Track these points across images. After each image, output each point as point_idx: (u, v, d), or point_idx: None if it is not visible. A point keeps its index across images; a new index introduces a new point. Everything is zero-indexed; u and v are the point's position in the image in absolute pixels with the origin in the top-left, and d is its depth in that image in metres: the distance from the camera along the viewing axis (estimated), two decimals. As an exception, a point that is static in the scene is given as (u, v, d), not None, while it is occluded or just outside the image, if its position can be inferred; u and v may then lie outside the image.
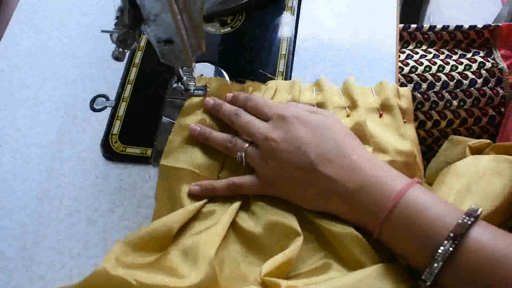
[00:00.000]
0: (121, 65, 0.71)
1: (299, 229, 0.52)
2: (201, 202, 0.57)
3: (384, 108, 0.62)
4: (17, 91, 0.72)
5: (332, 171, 0.51)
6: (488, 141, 0.75)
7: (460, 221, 0.44)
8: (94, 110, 0.69)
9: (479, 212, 0.45)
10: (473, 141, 0.75)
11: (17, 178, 0.65)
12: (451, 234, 0.43)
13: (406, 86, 0.91)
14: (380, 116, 0.62)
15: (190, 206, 0.56)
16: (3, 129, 0.69)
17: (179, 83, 0.63)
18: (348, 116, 0.61)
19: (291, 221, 0.53)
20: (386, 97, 0.62)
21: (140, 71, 0.70)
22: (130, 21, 0.52)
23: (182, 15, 0.52)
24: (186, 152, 0.60)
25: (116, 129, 0.66)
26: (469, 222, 0.44)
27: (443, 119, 0.92)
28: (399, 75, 0.91)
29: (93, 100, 0.69)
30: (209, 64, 0.69)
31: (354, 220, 0.52)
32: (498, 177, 0.60)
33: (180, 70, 0.62)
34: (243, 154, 0.57)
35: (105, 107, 0.69)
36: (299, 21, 0.73)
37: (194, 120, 0.62)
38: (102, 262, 0.49)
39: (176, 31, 0.53)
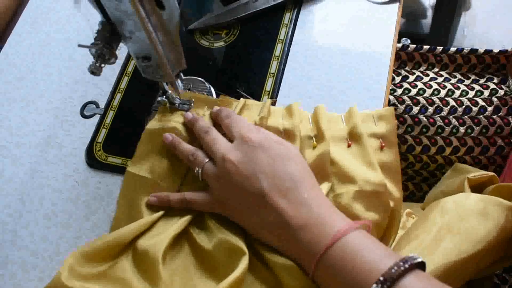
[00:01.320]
0: (115, 73, 0.72)
1: (244, 248, 0.52)
2: (158, 214, 0.57)
3: (352, 136, 0.61)
4: (13, 89, 0.74)
5: (281, 204, 0.51)
6: (492, 174, 0.73)
7: (393, 266, 0.43)
8: (83, 116, 0.70)
9: (418, 260, 0.44)
10: (475, 173, 0.73)
11: (2, 176, 0.67)
12: (381, 278, 0.42)
13: (411, 109, 0.89)
14: (348, 146, 0.60)
15: (147, 218, 0.56)
16: (-3, 128, 0.71)
17: (164, 96, 0.64)
18: (314, 147, 0.60)
19: (237, 241, 0.53)
20: (353, 125, 0.61)
21: (132, 80, 0.71)
22: (108, 36, 0.53)
23: (157, 33, 0.53)
24: (151, 161, 0.61)
25: (101, 137, 0.67)
26: (402, 268, 0.42)
27: (448, 146, 0.89)
28: (406, 96, 0.89)
29: (83, 107, 0.71)
30: (197, 78, 0.69)
31: (293, 257, 0.51)
32: (483, 220, 0.58)
33: (164, 84, 0.62)
34: (200, 169, 0.57)
35: (94, 114, 0.70)
36: (293, 39, 0.72)
37: (164, 128, 0.62)
38: (57, 272, 0.50)
39: (152, 48, 0.53)
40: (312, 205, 0.50)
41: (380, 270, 0.43)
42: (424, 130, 0.89)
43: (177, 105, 0.65)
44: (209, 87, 0.69)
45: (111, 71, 0.72)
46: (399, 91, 0.92)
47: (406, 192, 0.95)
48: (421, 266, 0.45)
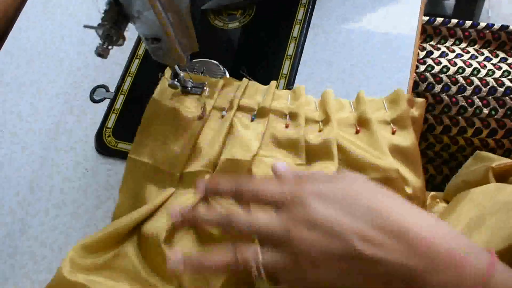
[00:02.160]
0: (125, 56, 0.70)
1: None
2: (161, 199, 0.54)
3: (361, 123, 0.57)
4: (23, 74, 0.72)
5: (379, 249, 0.37)
6: (516, 161, 0.69)
7: None
8: (93, 101, 0.68)
9: None
10: (498, 162, 0.68)
11: (12, 164, 0.65)
12: None
13: (433, 87, 0.84)
14: (357, 132, 0.57)
15: (149, 205, 0.54)
16: (7, 114, 0.69)
17: (176, 80, 0.61)
18: (320, 131, 0.57)
19: None
20: (361, 111, 0.57)
21: (142, 63, 0.68)
22: (115, 17, 0.50)
23: (167, 13, 0.50)
24: (151, 146, 0.59)
25: (111, 122, 0.64)
26: None
27: (470, 127, 0.85)
28: (428, 73, 0.85)
29: (93, 91, 0.68)
30: (212, 60, 0.66)
31: None
32: None
33: (176, 67, 0.59)
34: (259, 267, 0.39)
35: (104, 99, 0.67)
36: (312, 21, 0.68)
37: (164, 110, 0.59)
38: (59, 268, 0.48)
39: (161, 29, 0.50)
40: (421, 235, 0.37)
41: None
42: (446, 109, 0.85)
43: (189, 88, 0.62)
44: (224, 70, 0.66)
45: (121, 54, 0.69)
46: (422, 67, 0.88)
47: (426, 175, 0.91)
48: None
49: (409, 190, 0.53)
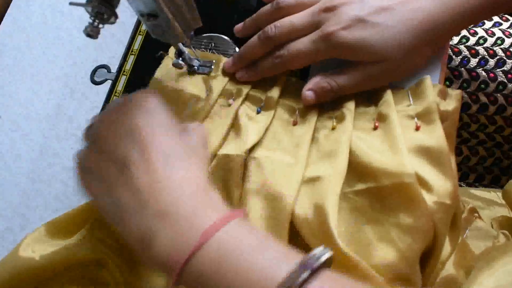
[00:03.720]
0: (127, 33, 0.64)
1: None
2: None
3: (381, 116, 0.50)
4: (22, 56, 0.67)
5: (139, 182, 0.38)
6: None
7: (292, 273, 0.31)
8: (94, 82, 0.63)
9: (322, 259, 0.33)
10: None
11: (12, 152, 0.61)
12: None
13: (468, 61, 0.76)
14: (375, 128, 0.49)
15: None
16: (7, 99, 0.65)
17: (180, 58, 0.55)
18: (333, 128, 0.50)
19: None
20: (381, 102, 0.50)
21: (146, 40, 0.63)
22: (104, -9, 0.44)
23: (162, -15, 0.43)
24: None
25: (112, 106, 0.59)
26: (304, 276, 0.31)
27: (510, 105, 0.77)
28: (463, 46, 0.77)
29: (94, 72, 0.63)
30: (221, 35, 0.60)
31: (150, 264, 0.38)
32: None
33: (180, 44, 0.53)
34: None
35: (106, 80, 0.62)
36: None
37: (166, 92, 0.55)
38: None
39: (157, 4, 0.44)
40: (181, 189, 0.37)
41: (274, 280, 0.32)
42: (483, 86, 0.77)
43: (196, 67, 0.57)
44: (235, 47, 0.59)
45: (123, 32, 0.64)
46: (455, 39, 0.79)
47: (460, 156, 0.84)
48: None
49: (432, 198, 0.44)
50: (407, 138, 0.47)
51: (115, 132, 0.40)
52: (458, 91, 0.51)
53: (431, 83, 0.50)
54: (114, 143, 0.40)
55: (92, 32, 0.45)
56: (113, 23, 0.46)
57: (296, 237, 0.43)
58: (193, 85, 0.55)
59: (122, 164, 0.38)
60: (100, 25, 0.45)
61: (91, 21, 0.45)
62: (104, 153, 0.40)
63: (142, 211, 0.36)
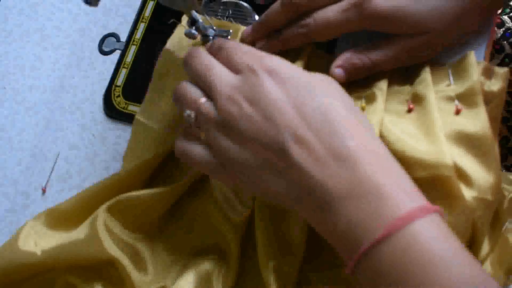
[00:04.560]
0: (139, -4, 0.59)
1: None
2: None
3: (415, 97, 0.43)
4: (26, 20, 0.63)
5: (309, 159, 0.33)
6: None
7: None
8: (102, 52, 0.58)
9: None
10: None
11: (15, 126, 0.57)
12: None
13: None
14: (409, 111, 0.43)
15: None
16: (10, 67, 0.60)
17: (193, 27, 0.49)
18: (362, 109, 0.44)
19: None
20: (418, 81, 0.44)
21: (158, 6, 0.57)
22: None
23: None
24: (163, 107, 0.48)
25: (120, 79, 0.54)
26: None
27: None
28: (506, 17, 0.69)
29: (102, 40, 0.58)
30: (239, 1, 0.54)
31: (329, 239, 0.35)
32: None
33: (192, 11, 0.48)
34: (193, 113, 0.39)
35: (115, 50, 0.57)
36: None
37: (179, 63, 0.47)
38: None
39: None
40: (362, 161, 0.32)
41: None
42: None
43: (211, 37, 0.51)
44: (254, 14, 0.53)
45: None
46: (497, 9, 0.72)
47: (498, 137, 0.77)
48: None
49: (471, 193, 0.38)
50: (445, 123, 0.41)
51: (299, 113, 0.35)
52: (505, 69, 0.44)
53: (475, 60, 0.43)
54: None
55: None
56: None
57: None
58: None
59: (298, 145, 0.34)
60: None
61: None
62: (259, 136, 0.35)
63: (322, 195, 0.33)
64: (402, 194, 0.32)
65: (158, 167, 0.48)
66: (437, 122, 0.40)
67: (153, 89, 0.49)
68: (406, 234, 0.30)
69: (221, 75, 0.38)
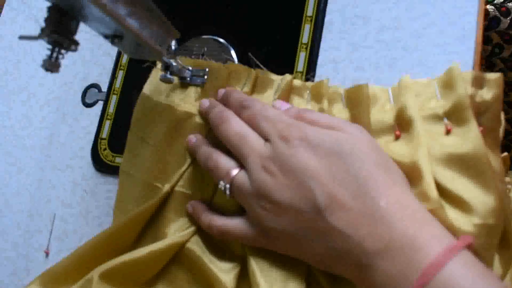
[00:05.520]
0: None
1: None
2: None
3: (401, 122, 0.41)
4: (11, 80, 0.63)
5: (345, 222, 0.34)
6: None
7: None
8: (85, 105, 0.57)
9: None
10: None
11: (10, 188, 0.57)
12: None
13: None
14: (396, 138, 0.41)
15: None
16: (0, 129, 0.61)
17: (167, 72, 0.48)
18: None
19: None
20: (402, 105, 0.41)
21: (134, 51, 0.56)
22: (60, 19, 0.38)
23: (116, 3, 0.37)
24: (144, 155, 0.47)
25: (105, 132, 0.54)
26: None
27: None
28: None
29: (84, 92, 0.58)
30: (214, 37, 0.52)
31: None
32: None
33: (163, 58, 0.47)
34: (227, 184, 0.39)
35: (97, 101, 0.57)
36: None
37: (157, 108, 0.47)
38: None
39: (118, 24, 0.38)
40: (394, 218, 0.33)
41: None
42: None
43: (188, 78, 0.50)
44: (230, 49, 0.52)
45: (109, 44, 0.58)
46: (499, -4, 0.68)
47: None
48: None
49: (471, 220, 0.36)
50: (435, 146, 0.39)
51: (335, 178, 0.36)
52: (498, 75, 0.41)
53: (459, 71, 0.40)
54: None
55: (50, 67, 0.38)
56: (75, 50, 0.40)
57: None
58: (185, 101, 0.49)
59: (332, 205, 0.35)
60: (61, 56, 0.39)
61: (49, 54, 0.39)
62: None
63: (360, 253, 0.34)
64: (433, 240, 0.32)
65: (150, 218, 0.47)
66: (425, 147, 0.38)
67: (132, 137, 0.48)
68: (439, 281, 0.30)
69: (253, 145, 0.39)
